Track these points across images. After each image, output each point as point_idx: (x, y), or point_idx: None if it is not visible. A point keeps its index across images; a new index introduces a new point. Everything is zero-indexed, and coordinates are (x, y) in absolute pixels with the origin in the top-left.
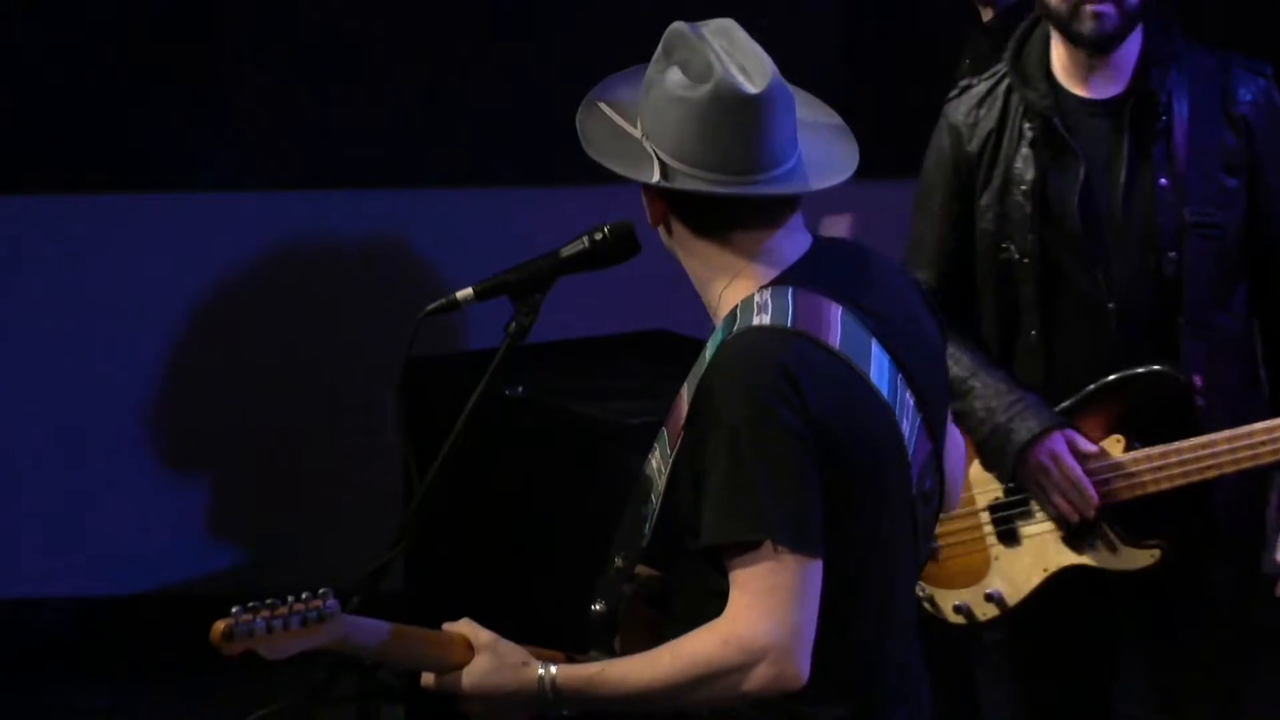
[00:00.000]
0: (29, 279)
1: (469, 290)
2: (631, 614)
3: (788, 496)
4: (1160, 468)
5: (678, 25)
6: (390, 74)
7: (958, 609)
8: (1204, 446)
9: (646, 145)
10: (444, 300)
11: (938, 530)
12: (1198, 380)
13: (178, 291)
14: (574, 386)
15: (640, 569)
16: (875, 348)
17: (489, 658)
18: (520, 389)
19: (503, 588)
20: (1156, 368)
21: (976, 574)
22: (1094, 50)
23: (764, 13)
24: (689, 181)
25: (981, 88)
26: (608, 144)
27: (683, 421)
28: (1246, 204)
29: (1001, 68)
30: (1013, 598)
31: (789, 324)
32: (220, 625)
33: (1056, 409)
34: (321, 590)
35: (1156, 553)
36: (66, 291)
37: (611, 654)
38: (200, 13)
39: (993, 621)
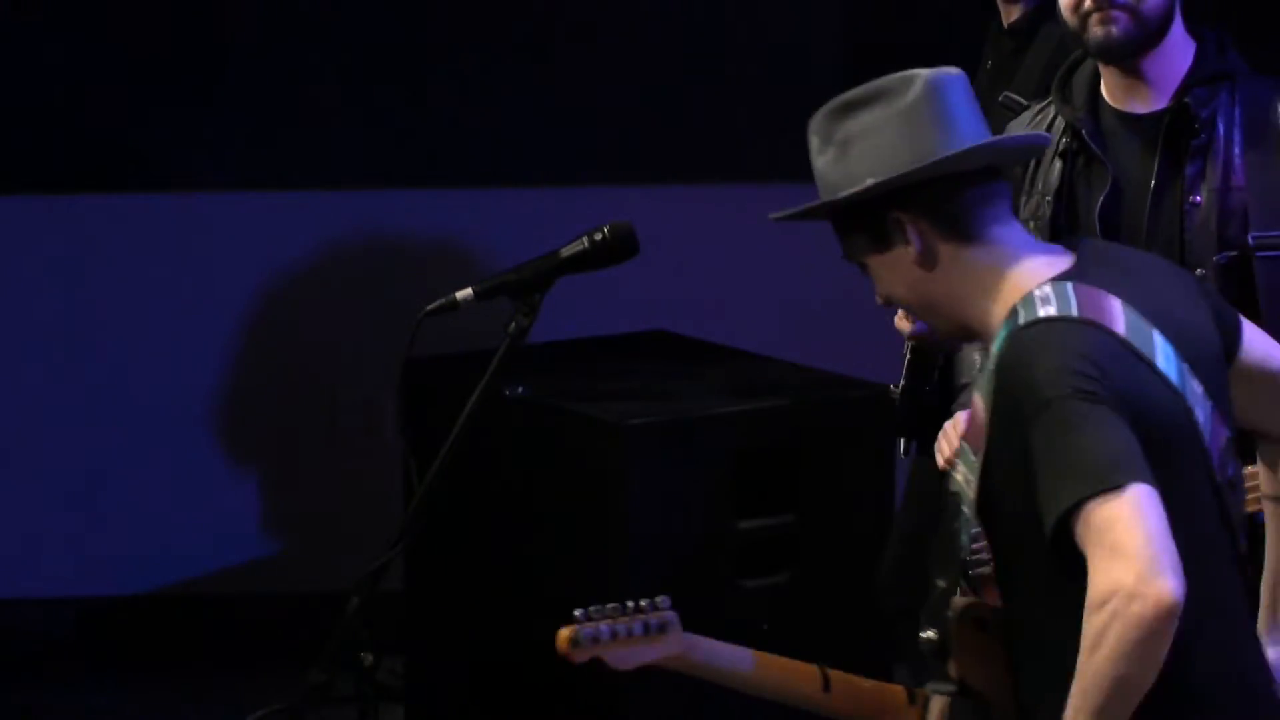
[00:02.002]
0: (29, 280)
1: (469, 290)
2: (964, 639)
3: (1114, 445)
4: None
5: (819, 114)
6: (390, 74)
7: None
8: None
9: (880, 186)
10: (444, 300)
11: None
12: None
13: (177, 291)
14: (574, 386)
15: (960, 596)
16: (1157, 336)
17: None
18: (520, 389)
19: (502, 588)
20: None
21: None
22: (1108, 59)
23: (765, 13)
24: (931, 169)
25: (1034, 108)
26: (854, 221)
27: (984, 423)
28: None
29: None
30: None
31: (1075, 314)
32: (565, 632)
33: None
34: (659, 599)
35: None
36: (65, 292)
37: (948, 682)
38: (202, 12)
39: None
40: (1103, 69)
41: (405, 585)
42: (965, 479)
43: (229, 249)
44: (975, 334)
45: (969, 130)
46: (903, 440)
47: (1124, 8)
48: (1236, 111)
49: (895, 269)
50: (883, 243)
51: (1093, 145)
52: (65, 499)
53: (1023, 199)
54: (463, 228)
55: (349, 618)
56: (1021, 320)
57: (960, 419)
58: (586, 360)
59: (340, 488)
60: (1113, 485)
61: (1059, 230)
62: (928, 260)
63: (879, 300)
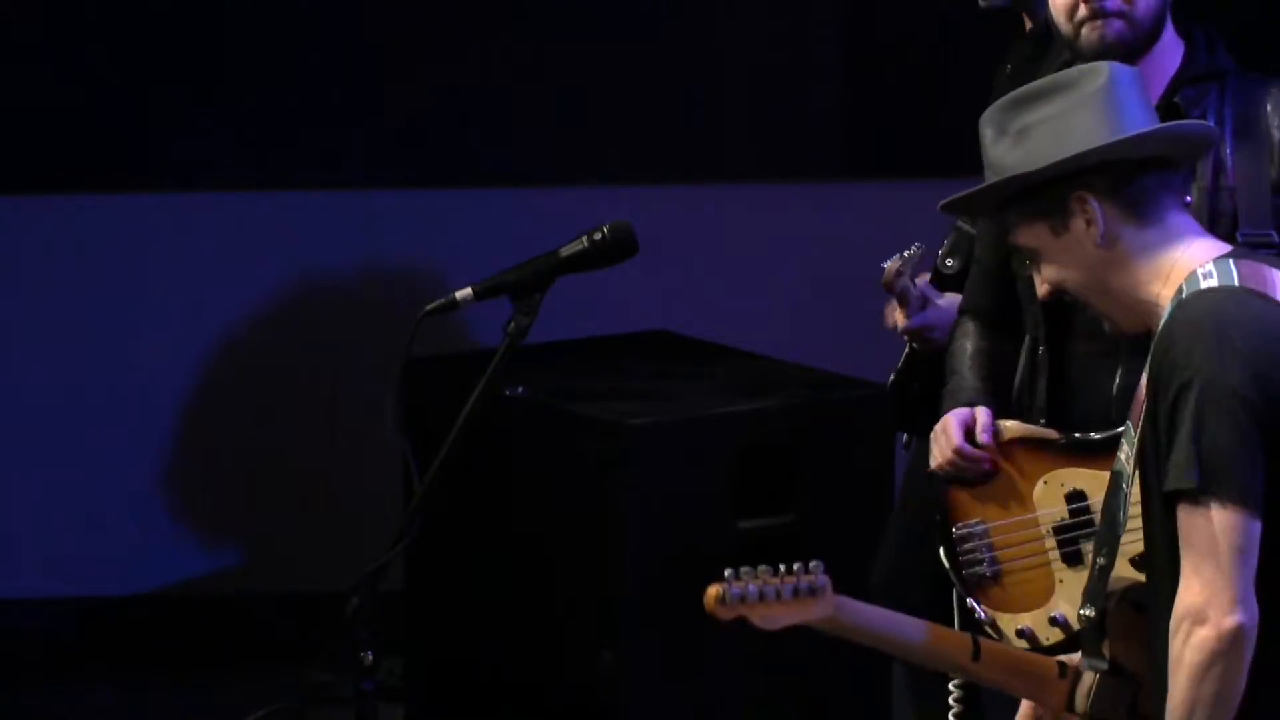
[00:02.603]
0: (29, 280)
1: (468, 290)
2: (1120, 620)
3: (1233, 454)
4: None
5: (993, 109)
6: (390, 74)
7: (1021, 633)
8: None
9: (1064, 164)
10: (444, 300)
11: (998, 553)
12: None
13: (177, 291)
14: (574, 386)
15: (1122, 574)
16: None
17: None
18: (520, 389)
19: (502, 588)
20: None
21: (1040, 597)
22: None
23: (765, 13)
24: (1114, 149)
25: None
26: (1033, 203)
27: (1143, 397)
28: None
29: None
30: (1078, 621)
31: (1235, 283)
32: (714, 589)
33: (1100, 436)
34: (812, 563)
35: None
36: (65, 292)
37: (1101, 659)
38: (201, 12)
39: (1057, 645)
40: None
41: (405, 585)
42: (1127, 456)
43: (229, 249)
44: (1148, 320)
45: (1146, 119)
46: (906, 434)
47: (1118, 14)
48: (1227, 110)
49: (1072, 251)
50: (1062, 223)
51: None
52: (66, 498)
53: None
54: (463, 228)
55: (349, 618)
56: (1185, 294)
57: (950, 421)
58: (587, 360)
59: (340, 488)
60: (1207, 491)
61: None
62: (1107, 241)
63: (1041, 292)
